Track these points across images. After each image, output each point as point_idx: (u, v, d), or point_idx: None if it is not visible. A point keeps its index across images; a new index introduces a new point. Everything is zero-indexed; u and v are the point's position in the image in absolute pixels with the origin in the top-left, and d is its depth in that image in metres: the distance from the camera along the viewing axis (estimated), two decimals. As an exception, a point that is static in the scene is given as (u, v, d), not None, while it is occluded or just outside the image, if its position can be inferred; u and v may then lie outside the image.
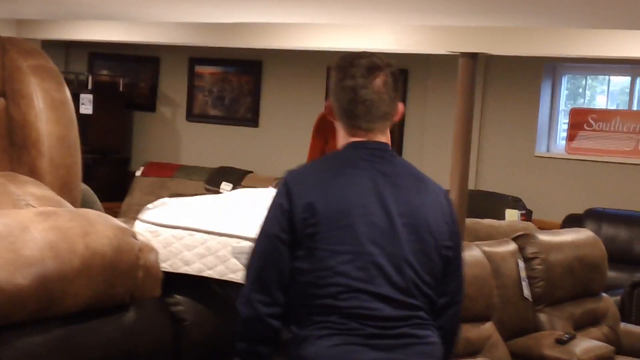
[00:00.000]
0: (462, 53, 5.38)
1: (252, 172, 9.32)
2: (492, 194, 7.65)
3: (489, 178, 8.13)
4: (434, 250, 2.39)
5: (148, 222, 3.36)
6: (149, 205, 3.64)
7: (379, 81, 2.42)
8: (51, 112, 3.35)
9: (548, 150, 8.01)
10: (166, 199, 3.67)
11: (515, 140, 7.96)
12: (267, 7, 5.95)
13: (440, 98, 8.35)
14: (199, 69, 9.83)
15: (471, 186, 8.32)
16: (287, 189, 2.41)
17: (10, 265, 2.69)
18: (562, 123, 8.06)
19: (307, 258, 2.35)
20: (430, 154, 8.38)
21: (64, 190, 3.36)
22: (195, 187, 9.34)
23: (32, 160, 3.34)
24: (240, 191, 4.12)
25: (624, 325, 4.99)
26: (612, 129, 7.65)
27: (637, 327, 5.11)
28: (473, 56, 5.28)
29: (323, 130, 6.22)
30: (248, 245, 3.32)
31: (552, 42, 6.66)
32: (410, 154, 8.34)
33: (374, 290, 2.31)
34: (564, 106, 8.09)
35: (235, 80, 9.64)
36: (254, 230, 3.31)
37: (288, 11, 6.18)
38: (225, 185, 9.19)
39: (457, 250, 2.48)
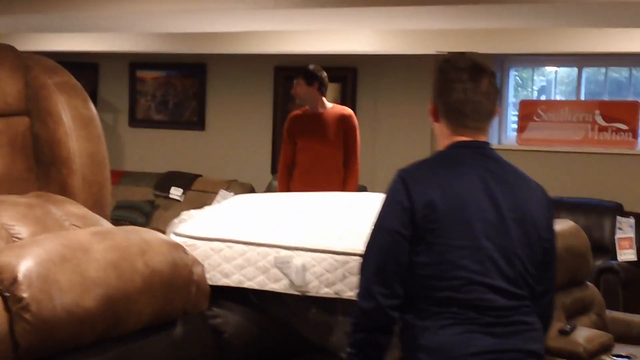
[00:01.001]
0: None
1: (201, 175, 9.26)
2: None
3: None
4: (536, 242, 2.56)
5: (184, 236, 3.36)
6: (175, 220, 3.63)
7: (485, 82, 2.56)
8: (81, 129, 3.31)
9: (499, 142, 8.21)
10: (192, 212, 3.67)
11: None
12: (212, 17, 5.96)
13: (391, 97, 8.47)
14: (141, 73, 9.72)
15: (426, 181, 8.48)
16: (406, 186, 2.51)
17: (78, 287, 2.67)
18: (512, 115, 8.27)
19: (427, 252, 2.48)
20: (382, 151, 8.49)
21: (97, 207, 3.33)
22: (143, 193, 9.24)
23: (64, 179, 3.29)
24: (270, 196, 4.13)
25: (608, 312, 5.17)
26: (561, 119, 7.89)
27: (622, 313, 5.29)
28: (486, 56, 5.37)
29: (292, 132, 6.27)
30: (289, 254, 3.35)
31: (513, 40, 6.88)
32: (362, 152, 8.43)
33: (489, 282, 2.46)
34: (512, 98, 8.30)
35: (179, 83, 9.57)
36: (294, 239, 3.36)
37: (233, 21, 6.21)
38: (174, 191, 9.11)
39: (553, 241, 2.65)
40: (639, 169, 7.66)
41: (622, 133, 7.79)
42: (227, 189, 9.02)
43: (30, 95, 3.34)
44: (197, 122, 9.49)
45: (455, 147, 2.58)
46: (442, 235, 2.47)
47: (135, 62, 9.68)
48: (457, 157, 2.57)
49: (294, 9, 5.16)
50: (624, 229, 6.66)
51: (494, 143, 8.29)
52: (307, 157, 6.18)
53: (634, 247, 6.83)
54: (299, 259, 3.30)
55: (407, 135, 8.45)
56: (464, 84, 2.54)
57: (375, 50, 7.36)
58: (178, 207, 8.44)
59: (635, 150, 7.73)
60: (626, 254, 6.50)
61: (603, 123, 7.85)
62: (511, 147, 8.01)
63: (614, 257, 6.38)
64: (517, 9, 5.13)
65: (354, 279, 3.30)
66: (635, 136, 7.73)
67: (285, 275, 3.29)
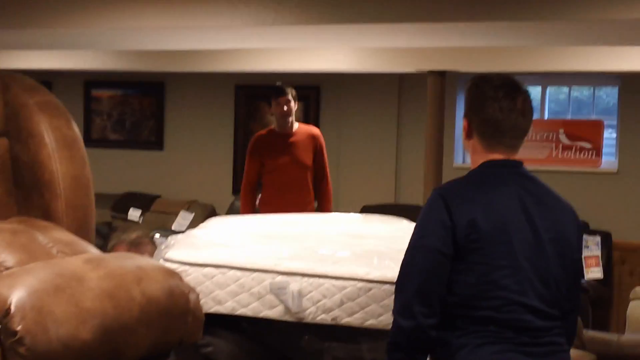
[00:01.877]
0: (429, 72, 5.43)
1: (160, 196, 9.09)
2: (414, 207, 7.74)
3: (409, 192, 8.24)
4: (569, 263, 2.56)
5: (175, 262, 3.21)
6: (162, 245, 3.49)
7: (520, 99, 2.55)
8: (64, 150, 3.15)
9: (464, 161, 8.19)
10: (179, 236, 3.53)
11: (433, 153, 8.08)
12: (171, 35, 5.83)
13: (355, 116, 8.41)
14: (96, 92, 9.53)
15: (390, 200, 8.41)
16: (446, 204, 2.48)
17: (73, 319, 2.52)
18: (476, 134, 8.24)
19: (468, 271, 2.46)
20: (346, 171, 8.41)
21: (81, 232, 3.17)
22: (99, 214, 8.93)
23: (46, 203, 3.13)
24: (255, 218, 4.01)
25: (585, 332, 5.13)
26: (525, 138, 7.89)
27: (600, 332, 5.26)
28: (441, 74, 5.34)
29: (258, 153, 6.13)
30: (285, 280, 3.23)
31: (477, 59, 6.86)
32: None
33: (527, 303, 2.46)
34: (477, 118, 8.29)
35: (136, 102, 9.40)
36: (290, 264, 3.24)
37: (192, 39, 6.09)
38: (133, 212, 8.88)
39: (580, 262, 2.66)
40: (603, 187, 7.70)
41: (585, 152, 7.83)
42: (187, 210, 8.87)
43: (9, 115, 3.18)
44: (156, 142, 9.32)
45: (492, 165, 2.55)
46: (484, 254, 2.45)
47: (91, 81, 9.49)
48: (495, 176, 2.55)
49: (256, 27, 5.06)
50: (590, 247, 6.65)
51: (458, 162, 8.34)
52: (276, 178, 6.05)
53: (600, 265, 6.85)
54: (295, 284, 3.18)
55: (371, 154, 8.39)
56: (500, 102, 2.52)
57: (339, 68, 7.29)
58: (137, 229, 8.25)
59: (599, 168, 7.77)
60: (593, 272, 6.49)
61: (567, 142, 7.88)
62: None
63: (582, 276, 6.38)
64: (481, 28, 5.12)
65: (352, 305, 3.20)
66: (598, 155, 7.77)
67: (282, 301, 3.17)
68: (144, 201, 8.93)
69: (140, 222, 8.96)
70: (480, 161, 2.57)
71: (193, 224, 8.09)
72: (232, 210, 8.30)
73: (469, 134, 2.59)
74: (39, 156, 3.13)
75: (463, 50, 6.38)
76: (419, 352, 2.49)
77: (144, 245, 4.50)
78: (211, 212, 8.72)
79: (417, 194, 8.05)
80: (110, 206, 9.01)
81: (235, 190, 8.78)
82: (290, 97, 5.97)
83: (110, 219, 8.96)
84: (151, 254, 4.42)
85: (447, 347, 2.47)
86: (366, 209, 7.89)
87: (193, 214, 8.60)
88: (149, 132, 9.38)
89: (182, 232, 7.78)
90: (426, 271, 2.46)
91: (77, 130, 3.28)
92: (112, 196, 9.07)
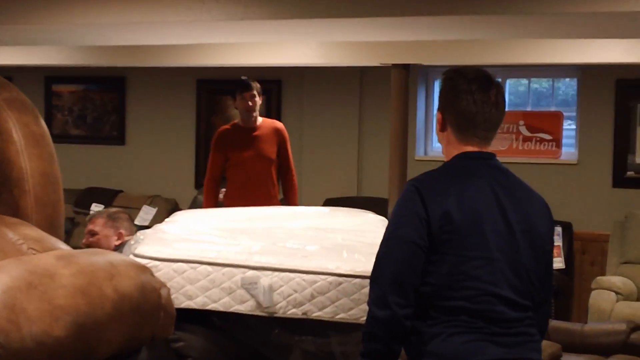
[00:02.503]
0: (393, 65, 5.46)
1: (122, 191, 9.04)
2: (377, 199, 7.78)
3: (371, 184, 8.28)
4: (541, 254, 2.61)
5: (145, 257, 3.22)
6: (131, 241, 3.49)
7: (493, 92, 2.59)
8: (32, 147, 3.14)
9: (425, 153, 8.25)
10: (148, 231, 3.53)
11: (396, 146, 8.12)
12: (131, 30, 5.80)
13: (316, 110, 8.43)
14: (57, 87, 9.45)
15: (353, 193, 8.45)
16: (421, 196, 2.52)
17: (47, 316, 2.51)
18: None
19: (441, 262, 2.50)
20: (308, 165, 8.43)
21: (51, 229, 3.16)
22: (61, 210, 8.95)
23: (15, 200, 3.11)
24: (222, 212, 4.01)
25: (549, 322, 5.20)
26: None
27: (563, 322, 5.33)
28: (405, 67, 5.37)
29: (223, 147, 6.13)
30: (256, 274, 3.25)
31: (438, 52, 6.91)
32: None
33: (500, 293, 2.50)
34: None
35: (98, 97, 9.33)
36: (260, 259, 3.26)
37: (153, 34, 6.06)
38: (95, 207, 8.82)
39: (552, 253, 2.72)
40: (564, 178, 7.79)
41: (545, 143, 7.92)
42: (150, 205, 8.84)
43: (-24, 112, 3.15)
44: (117, 137, 9.26)
45: (465, 157, 2.60)
46: (457, 246, 2.49)
47: (51, 76, 9.40)
48: (468, 168, 2.59)
49: (217, 22, 5.06)
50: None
51: (420, 154, 8.40)
52: (241, 172, 6.06)
53: (562, 255, 6.94)
54: (266, 279, 3.20)
55: (333, 149, 8.42)
56: (474, 94, 2.56)
57: (302, 62, 7.29)
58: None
59: (559, 159, 7.86)
60: (555, 262, 6.59)
61: (527, 133, 7.97)
62: (438, 158, 8.04)
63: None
64: (444, 22, 5.16)
65: (322, 299, 3.23)
66: (558, 146, 7.87)
67: (253, 296, 3.19)
68: (107, 196, 8.88)
69: (103, 217, 8.93)
70: (455, 153, 2.61)
71: (156, 219, 8.08)
72: (195, 205, 8.28)
73: (443, 127, 2.63)
74: (7, 153, 3.11)
75: (426, 43, 6.41)
76: (394, 341, 2.51)
77: (122, 220, 4.49)
78: (174, 207, 8.70)
79: (379, 186, 8.10)
80: (72, 202, 8.94)
81: (198, 185, 8.77)
82: (255, 91, 5.99)
83: (73, 214, 8.90)
84: (127, 230, 4.40)
85: (420, 336, 2.51)
86: (329, 202, 7.92)
87: (156, 209, 8.59)
88: (111, 127, 9.33)
89: (146, 226, 7.78)
90: (401, 262, 2.49)
91: (45, 126, 3.26)
92: (75, 192, 9.00)
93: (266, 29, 5.31)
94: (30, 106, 3.26)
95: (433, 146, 8.31)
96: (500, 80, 8.15)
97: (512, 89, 8.42)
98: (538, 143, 7.93)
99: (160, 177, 9.08)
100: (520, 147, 7.96)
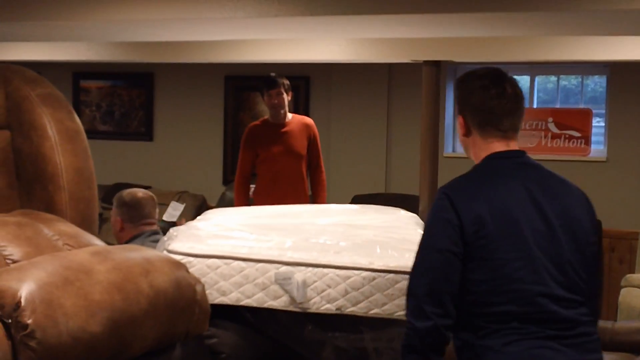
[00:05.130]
0: (425, 61, 5.44)
1: (150, 187, 9.05)
2: (405, 196, 7.76)
3: (399, 181, 8.26)
4: (585, 246, 2.53)
5: (178, 253, 3.22)
6: (164, 237, 3.49)
7: (508, 85, 2.57)
8: (67, 143, 3.15)
9: (454, 150, 8.22)
10: (181, 227, 3.53)
11: (424, 142, 8.10)
12: (160, 27, 5.80)
13: (344, 106, 8.41)
14: (85, 83, 9.49)
15: (381, 189, 8.43)
16: (451, 203, 2.47)
17: (83, 311, 2.52)
18: (466, 123, 8.28)
19: (480, 268, 2.44)
20: (336, 162, 8.42)
21: (85, 224, 3.17)
22: (89, 206, 8.99)
23: (50, 196, 3.13)
24: (254, 210, 4.01)
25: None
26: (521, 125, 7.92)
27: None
28: (436, 64, 5.36)
29: (252, 143, 6.14)
30: (290, 270, 3.24)
31: (467, 49, 6.88)
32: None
33: (546, 292, 2.43)
34: (466, 107, 8.32)
35: (125, 93, 9.36)
36: (294, 254, 3.25)
37: (182, 30, 6.06)
38: (122, 203, 8.89)
39: (598, 244, 2.66)
40: (592, 176, 7.74)
41: (574, 140, 7.86)
42: (177, 201, 8.86)
43: (11, 107, 3.17)
44: (145, 133, 9.29)
45: (494, 158, 2.56)
46: (494, 250, 2.43)
47: (79, 72, 9.44)
48: (498, 169, 2.55)
49: (250, 19, 5.06)
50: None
51: (448, 151, 8.37)
52: (271, 168, 6.06)
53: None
54: (300, 274, 3.20)
55: (361, 145, 8.40)
56: (489, 89, 2.55)
57: (333, 59, 7.29)
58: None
59: (588, 157, 7.81)
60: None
61: (556, 130, 7.92)
62: (465, 155, 8.01)
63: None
64: (470, 18, 5.14)
65: (356, 294, 3.22)
66: (587, 143, 7.81)
67: (287, 291, 3.18)
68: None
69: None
70: (483, 155, 2.58)
71: (184, 215, 8.09)
72: (222, 201, 8.30)
73: (466, 130, 2.60)
74: (42, 148, 3.13)
75: (456, 40, 6.39)
76: (434, 353, 2.44)
77: (119, 206, 4.47)
78: (202, 203, 8.71)
79: (407, 183, 8.08)
80: (100, 197, 8.95)
81: (226, 181, 8.78)
82: (282, 89, 5.98)
83: (101, 210, 8.93)
84: (123, 216, 4.39)
85: (471, 349, 2.44)
86: (357, 198, 7.91)
87: (184, 205, 8.60)
88: (139, 123, 9.36)
89: (174, 222, 7.79)
90: (436, 271, 2.44)
91: (79, 122, 3.28)
92: (102, 187, 9.02)
93: (298, 26, 5.31)
94: (64, 102, 3.28)
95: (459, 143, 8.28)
96: (532, 77, 8.14)
97: (541, 86, 8.36)
98: (567, 140, 7.88)
99: (188, 173, 9.10)
100: (549, 145, 7.92)
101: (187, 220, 4.27)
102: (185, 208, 8.61)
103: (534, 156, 8.33)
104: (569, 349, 2.43)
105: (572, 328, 2.45)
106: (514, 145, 2.58)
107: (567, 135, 7.89)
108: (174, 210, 8.66)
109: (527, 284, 2.42)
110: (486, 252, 2.43)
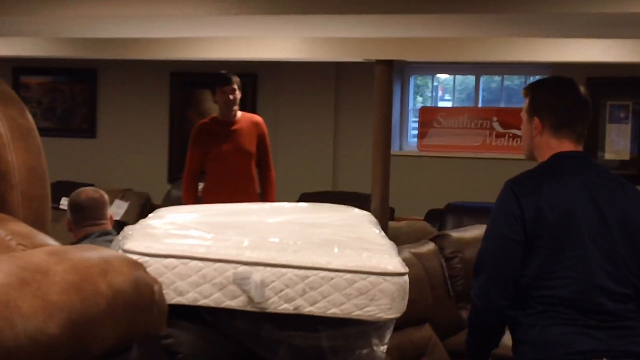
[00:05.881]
0: (377, 61, 5.46)
1: (92, 184, 8.93)
2: (353, 194, 7.79)
3: (347, 178, 8.28)
4: (638, 243, 2.78)
5: (134, 253, 3.16)
6: (118, 236, 3.44)
7: (585, 98, 2.94)
8: (19, 141, 3.07)
9: (400, 148, 8.27)
10: (136, 226, 3.48)
11: (370, 141, 8.13)
12: (103, 24, 5.73)
13: (292, 104, 8.40)
14: (25, 79, 9.33)
15: (328, 187, 8.44)
16: (516, 196, 2.80)
17: (41, 313, 2.46)
18: (412, 122, 8.35)
19: (535, 256, 2.75)
20: (283, 160, 8.40)
21: (37, 224, 3.09)
22: (30, 204, 8.83)
23: (1, 194, 3.04)
24: (207, 208, 3.96)
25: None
26: (460, 125, 8.00)
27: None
28: (389, 63, 5.38)
29: (201, 141, 6.11)
30: (248, 270, 3.21)
31: (414, 48, 6.92)
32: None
33: (596, 283, 2.69)
34: (413, 105, 8.38)
35: (67, 89, 9.24)
36: (252, 254, 3.22)
37: (127, 28, 6.00)
38: (65, 201, 8.75)
39: None
40: (537, 174, 7.84)
41: (518, 139, 7.96)
42: (121, 199, 8.76)
43: (-39, 104, 3.08)
44: (88, 130, 9.18)
45: (559, 157, 2.86)
46: (551, 240, 2.74)
47: (19, 67, 9.27)
48: (561, 167, 2.84)
49: (194, 17, 5.02)
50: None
51: (395, 149, 8.41)
52: (220, 166, 6.03)
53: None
54: (258, 274, 3.17)
55: (308, 142, 8.40)
56: (568, 97, 2.90)
57: (281, 57, 7.27)
58: (69, 219, 8.10)
59: (532, 156, 7.91)
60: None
61: (500, 129, 8.01)
62: (413, 153, 8.08)
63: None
64: (420, 19, 5.20)
65: (314, 294, 3.20)
66: (531, 142, 7.92)
67: (245, 291, 3.15)
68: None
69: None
70: (550, 153, 2.88)
71: (128, 213, 8.00)
72: (168, 199, 8.23)
73: (539, 131, 2.91)
74: (-7, 147, 3.04)
75: (406, 40, 6.44)
76: (495, 330, 2.83)
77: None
78: (146, 201, 8.63)
79: (354, 181, 8.10)
80: (41, 195, 8.83)
81: (171, 179, 8.71)
82: (235, 85, 5.96)
83: (43, 208, 8.79)
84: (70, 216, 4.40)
85: (519, 325, 2.77)
86: (305, 197, 7.91)
87: (128, 203, 8.52)
88: (81, 120, 9.23)
89: (117, 220, 7.69)
90: (499, 257, 2.77)
91: (31, 120, 3.20)
92: (44, 185, 8.89)
93: (254, 24, 5.29)
94: (16, 99, 3.19)
95: (409, 141, 8.32)
96: (477, 77, 8.21)
97: (485, 85, 8.45)
98: (511, 139, 7.98)
99: (132, 171, 9.01)
100: (493, 143, 8.01)
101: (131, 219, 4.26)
102: (129, 206, 8.53)
103: (478, 154, 8.53)
104: (610, 339, 2.66)
105: (616, 320, 2.68)
106: (580, 147, 2.89)
107: (511, 134, 7.99)
108: (117, 209, 8.57)
109: (578, 273, 2.69)
110: (543, 242, 2.73)
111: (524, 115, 3.07)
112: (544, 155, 2.92)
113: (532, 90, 2.98)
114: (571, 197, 2.78)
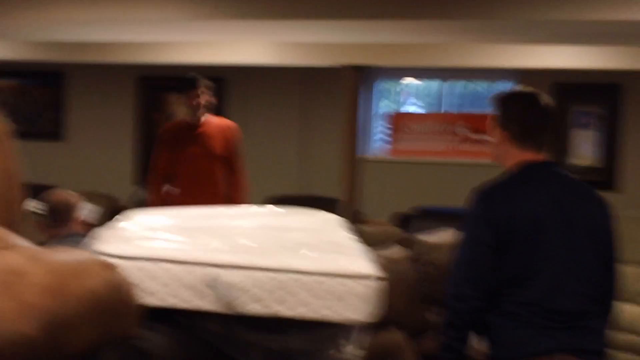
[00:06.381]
0: (345, 66, 5.50)
1: (58, 187, 8.90)
2: (319, 198, 7.84)
3: (313, 183, 8.32)
4: (604, 250, 2.91)
5: (106, 255, 3.19)
6: (98, 232, 3.46)
7: (547, 110, 3.05)
8: (-7, 143, 3.07)
9: (365, 152, 8.33)
10: (115, 224, 3.51)
11: (336, 145, 8.20)
12: (71, 27, 5.73)
13: (261, 109, 8.44)
14: (-9, 81, 9.27)
15: (294, 191, 8.48)
16: (487, 203, 2.96)
17: (14, 314, 2.48)
18: (378, 126, 8.41)
19: (508, 260, 2.89)
20: (252, 164, 8.43)
21: (10, 226, 3.10)
22: (-5, 207, 8.78)
23: (-26, 197, 3.05)
24: (177, 212, 3.99)
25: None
26: (426, 130, 8.09)
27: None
28: (358, 68, 5.42)
29: (169, 143, 6.12)
30: (216, 271, 3.25)
31: (380, 54, 6.98)
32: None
33: (563, 287, 2.82)
34: (378, 110, 8.45)
35: (34, 92, 9.19)
36: (221, 256, 3.26)
37: (94, 31, 6.01)
38: (31, 203, 8.71)
39: (615, 249, 2.99)
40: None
41: (484, 144, 8.06)
42: (88, 201, 8.73)
43: None
44: (54, 133, 9.13)
45: (527, 166, 2.99)
46: (521, 245, 2.88)
47: (-16, 70, 9.23)
48: (529, 175, 2.96)
49: (162, 22, 5.05)
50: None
51: (359, 154, 8.47)
52: (190, 169, 6.05)
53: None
54: (227, 275, 3.21)
55: (275, 147, 8.44)
56: (531, 108, 3.01)
57: (250, 61, 7.31)
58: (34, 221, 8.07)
59: (496, 160, 8.01)
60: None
61: (466, 134, 8.10)
62: (378, 158, 8.14)
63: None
64: (387, 25, 5.27)
65: (283, 294, 3.25)
66: (496, 147, 8.01)
67: (215, 293, 3.19)
68: (42, 193, 8.74)
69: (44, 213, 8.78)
70: (514, 161, 3.03)
71: (95, 214, 7.97)
72: (133, 201, 8.21)
73: (502, 140, 3.09)
74: (-36, 149, 3.04)
75: (374, 46, 6.50)
76: (468, 330, 2.96)
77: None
78: (112, 203, 8.61)
79: (320, 185, 8.15)
80: (6, 198, 8.78)
81: (137, 181, 8.70)
82: (203, 89, 5.99)
83: (7, 211, 8.75)
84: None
85: (489, 326, 2.93)
86: (270, 200, 7.94)
87: (93, 205, 8.50)
88: (47, 123, 9.19)
89: (85, 222, 7.66)
90: (473, 261, 2.92)
91: (5, 122, 3.20)
92: (9, 188, 8.84)
93: (216, 29, 5.32)
94: (-11, 101, 3.20)
95: (372, 146, 8.39)
96: (443, 82, 8.30)
97: (451, 90, 8.54)
98: (477, 144, 8.06)
99: (98, 174, 9.00)
100: (458, 148, 8.10)
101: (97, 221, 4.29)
102: (94, 208, 8.51)
103: (443, 159, 8.64)
104: (571, 338, 2.80)
105: (580, 321, 2.81)
106: (541, 155, 3.01)
107: (476, 139, 8.08)
108: (88, 212, 8.54)
109: (546, 277, 2.82)
110: (514, 247, 2.88)
111: (491, 123, 3.24)
112: (508, 162, 3.08)
113: (501, 103, 3.13)
114: (539, 204, 2.91)
